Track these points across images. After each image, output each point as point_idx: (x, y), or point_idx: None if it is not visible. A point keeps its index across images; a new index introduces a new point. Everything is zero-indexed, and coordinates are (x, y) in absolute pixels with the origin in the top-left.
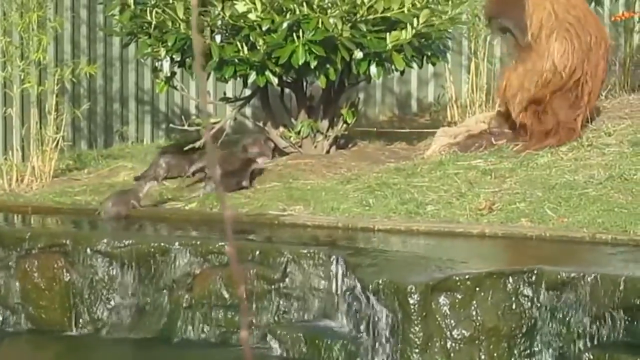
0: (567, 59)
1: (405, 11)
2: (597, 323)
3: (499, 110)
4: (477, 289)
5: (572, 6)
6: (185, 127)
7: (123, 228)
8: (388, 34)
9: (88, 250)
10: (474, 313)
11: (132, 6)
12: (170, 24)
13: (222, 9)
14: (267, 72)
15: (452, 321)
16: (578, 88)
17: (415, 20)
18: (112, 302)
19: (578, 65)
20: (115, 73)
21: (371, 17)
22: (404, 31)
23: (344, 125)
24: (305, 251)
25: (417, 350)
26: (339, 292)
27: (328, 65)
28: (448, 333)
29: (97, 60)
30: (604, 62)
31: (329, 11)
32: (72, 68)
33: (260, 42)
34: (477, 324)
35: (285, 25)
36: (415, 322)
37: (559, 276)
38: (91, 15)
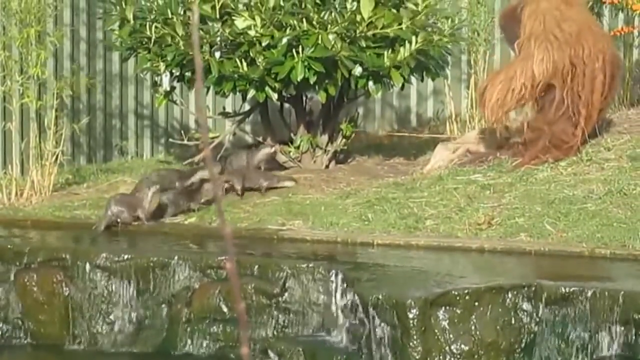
0: (545, 66)
1: (404, 28)
2: (596, 338)
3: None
4: (476, 303)
5: (565, 20)
6: (185, 142)
7: (118, 240)
8: (387, 51)
9: (87, 264)
10: (472, 328)
11: (132, 21)
12: (169, 39)
13: (222, 25)
14: (267, 88)
15: (451, 336)
16: (572, 102)
17: (413, 37)
18: (112, 317)
19: (556, 75)
20: (115, 88)
21: (370, 33)
22: (402, 48)
23: (343, 140)
24: (305, 266)
25: None
26: (338, 306)
27: (327, 81)
28: (447, 348)
29: (97, 76)
30: (603, 75)
31: (328, 27)
32: (72, 82)
33: (260, 58)
34: (476, 338)
35: (284, 41)
36: (414, 336)
37: (558, 291)
38: (90, 32)
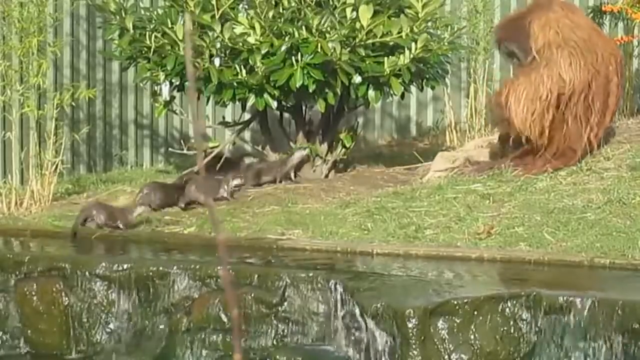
0: (574, 71)
1: (404, 36)
2: (595, 347)
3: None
4: (476, 312)
5: (577, 26)
6: (184, 151)
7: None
8: (386, 58)
9: (87, 274)
10: (472, 337)
11: (131, 30)
12: (169, 48)
13: (221, 31)
14: (266, 96)
15: (451, 345)
16: (586, 109)
17: (413, 45)
18: (111, 326)
19: (584, 80)
20: (115, 98)
21: (370, 41)
22: (402, 56)
23: (343, 150)
24: (304, 275)
25: None
26: (337, 316)
27: (327, 90)
28: (446, 357)
29: (97, 85)
30: (617, 77)
31: (327, 35)
32: (72, 92)
33: (259, 64)
34: (476, 348)
35: (283, 48)
36: (414, 346)
37: (557, 300)
38: (91, 41)
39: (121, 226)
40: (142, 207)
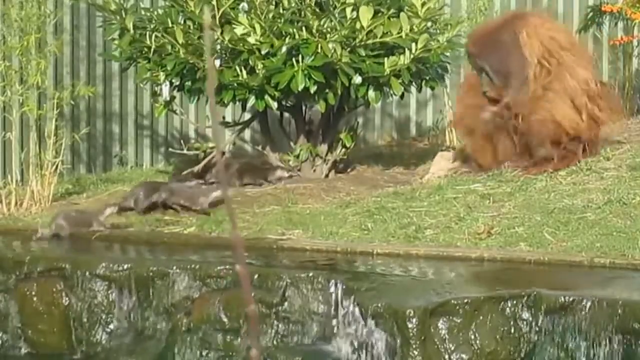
0: (589, 72)
1: (404, 36)
2: (596, 347)
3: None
4: (476, 312)
5: (559, 31)
6: (184, 152)
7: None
8: (386, 58)
9: (87, 274)
10: (472, 337)
11: (132, 30)
12: (169, 48)
13: (222, 32)
14: (267, 97)
15: (451, 345)
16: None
17: (413, 45)
18: (111, 326)
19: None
20: (115, 97)
21: (370, 42)
22: (402, 56)
23: (343, 150)
24: (304, 275)
25: None
26: (337, 316)
27: (327, 90)
28: (447, 357)
29: (97, 84)
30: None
31: (328, 36)
32: (71, 90)
33: (260, 66)
34: (476, 348)
35: (284, 49)
36: (414, 346)
37: (557, 300)
38: (90, 38)
39: (95, 229)
40: (110, 209)
